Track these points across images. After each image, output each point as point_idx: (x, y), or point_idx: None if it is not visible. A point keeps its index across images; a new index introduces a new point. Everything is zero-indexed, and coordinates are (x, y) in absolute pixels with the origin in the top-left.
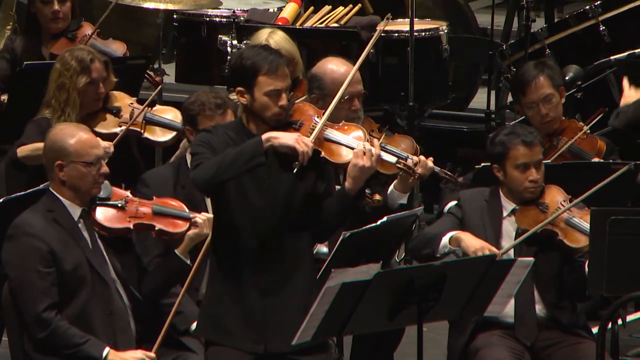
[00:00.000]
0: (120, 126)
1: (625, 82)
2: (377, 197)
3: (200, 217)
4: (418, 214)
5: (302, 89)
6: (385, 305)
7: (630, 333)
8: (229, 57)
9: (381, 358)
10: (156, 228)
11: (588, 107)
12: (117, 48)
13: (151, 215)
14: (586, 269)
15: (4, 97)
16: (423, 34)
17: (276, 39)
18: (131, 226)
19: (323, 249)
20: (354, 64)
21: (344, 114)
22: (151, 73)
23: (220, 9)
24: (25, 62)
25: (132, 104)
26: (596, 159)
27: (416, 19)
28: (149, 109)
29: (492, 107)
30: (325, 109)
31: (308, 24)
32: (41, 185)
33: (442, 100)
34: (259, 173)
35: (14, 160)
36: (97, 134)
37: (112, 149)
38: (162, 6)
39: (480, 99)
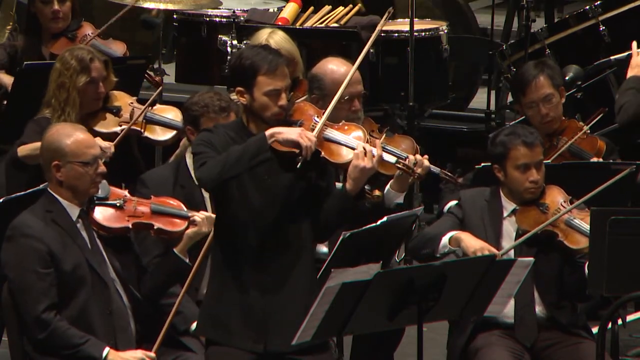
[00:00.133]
0: (121, 125)
1: (634, 47)
2: (377, 192)
3: (199, 216)
4: (418, 214)
5: (302, 89)
6: (385, 305)
7: (630, 333)
8: (229, 57)
9: (381, 358)
10: (155, 227)
11: (588, 107)
12: (117, 48)
13: (150, 214)
14: (586, 270)
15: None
16: (423, 34)
17: (276, 39)
18: (130, 225)
19: (323, 249)
20: (354, 64)
21: (344, 114)
22: (151, 73)
23: (220, 9)
24: (25, 62)
25: (132, 103)
26: (596, 159)
27: (416, 19)
28: (150, 108)
29: (492, 107)
30: (325, 109)
31: (308, 24)
32: (41, 186)
33: (442, 100)
34: (259, 172)
35: (14, 160)
36: (98, 134)
37: (112, 149)
38: (162, 6)
39: (480, 99)
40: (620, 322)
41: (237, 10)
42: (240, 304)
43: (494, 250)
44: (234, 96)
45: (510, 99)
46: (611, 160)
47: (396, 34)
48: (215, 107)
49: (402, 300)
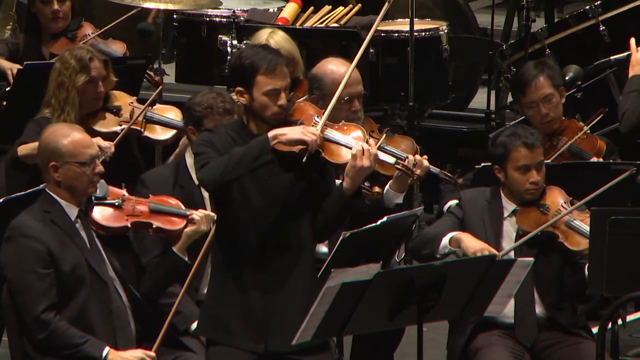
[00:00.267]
0: (121, 125)
1: (633, 45)
2: (377, 189)
3: (198, 214)
4: (418, 214)
5: (303, 89)
6: (385, 305)
7: (630, 333)
8: (229, 57)
9: (381, 358)
10: (154, 226)
11: (588, 107)
12: (117, 48)
13: (148, 213)
14: (586, 271)
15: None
16: (423, 34)
17: (276, 39)
18: (129, 224)
19: (323, 249)
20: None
21: (344, 114)
22: (151, 73)
23: (220, 9)
24: (25, 62)
25: (132, 103)
26: (596, 159)
27: (416, 19)
28: (150, 108)
29: (492, 107)
30: (325, 109)
31: (308, 24)
32: (41, 186)
33: (442, 100)
34: (260, 173)
35: (14, 159)
36: (98, 133)
37: (112, 149)
38: (162, 6)
39: (480, 99)
40: (620, 322)
41: (237, 10)
42: (241, 304)
43: (494, 251)
44: (234, 96)
45: (510, 99)
46: (611, 161)
47: (396, 34)
48: (219, 108)
49: (402, 300)
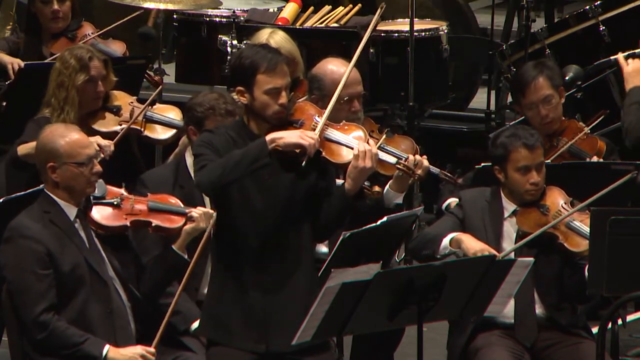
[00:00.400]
0: (120, 125)
1: (622, 60)
2: (377, 188)
3: (196, 212)
4: (418, 214)
5: (303, 90)
6: (385, 305)
7: (630, 333)
8: (229, 57)
9: (381, 358)
10: (153, 224)
11: (588, 107)
12: (117, 48)
13: (147, 211)
14: (586, 272)
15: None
16: (423, 34)
17: (277, 39)
18: (128, 223)
19: (323, 249)
20: (356, 64)
21: (344, 115)
22: (151, 73)
23: (220, 9)
24: (25, 62)
25: (132, 103)
26: (596, 159)
27: (416, 19)
28: (150, 107)
29: (492, 107)
30: (322, 110)
31: (308, 24)
32: (41, 186)
33: (442, 100)
34: (260, 173)
35: (14, 159)
36: (97, 133)
37: (112, 148)
38: (162, 6)
39: (480, 99)
40: (620, 322)
41: (237, 10)
42: (241, 304)
43: (494, 252)
44: (234, 96)
45: (510, 99)
46: (611, 161)
47: (396, 34)
48: (221, 110)
49: (402, 300)
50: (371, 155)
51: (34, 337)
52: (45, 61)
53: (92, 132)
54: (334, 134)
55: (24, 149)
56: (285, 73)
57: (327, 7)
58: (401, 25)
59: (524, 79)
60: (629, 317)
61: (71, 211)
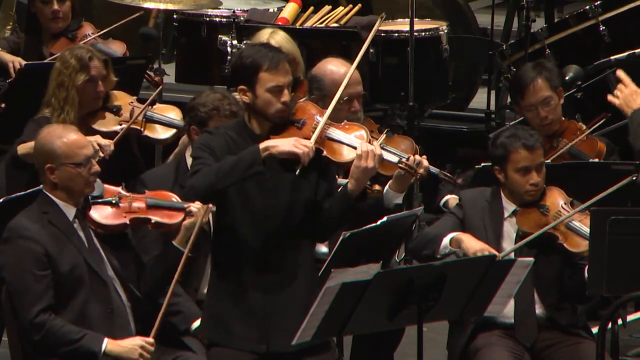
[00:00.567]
0: (121, 124)
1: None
2: (377, 187)
3: (195, 206)
4: (418, 214)
5: (303, 90)
6: (385, 305)
7: (630, 333)
8: (229, 57)
9: (381, 358)
10: (152, 221)
11: (588, 107)
12: (117, 48)
13: (146, 208)
14: (586, 273)
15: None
16: (423, 34)
17: (277, 39)
18: (127, 221)
19: (323, 249)
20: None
21: (344, 115)
22: (151, 73)
23: (220, 9)
24: (25, 62)
25: (132, 103)
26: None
27: (416, 19)
28: (150, 107)
29: (492, 107)
30: (326, 110)
31: (308, 24)
32: (40, 186)
33: (442, 100)
34: (264, 170)
35: (14, 158)
36: (97, 133)
37: (112, 147)
38: (162, 6)
39: (480, 99)
40: (620, 322)
41: (237, 10)
42: (242, 305)
43: (494, 252)
44: (235, 95)
45: (510, 99)
46: (612, 161)
47: (396, 34)
48: (225, 111)
49: (402, 300)
50: (374, 155)
51: (32, 338)
52: (45, 61)
53: (92, 132)
54: (335, 133)
55: (23, 148)
56: (287, 71)
57: (327, 7)
58: (401, 25)
59: (523, 81)
60: (629, 317)
61: (70, 211)
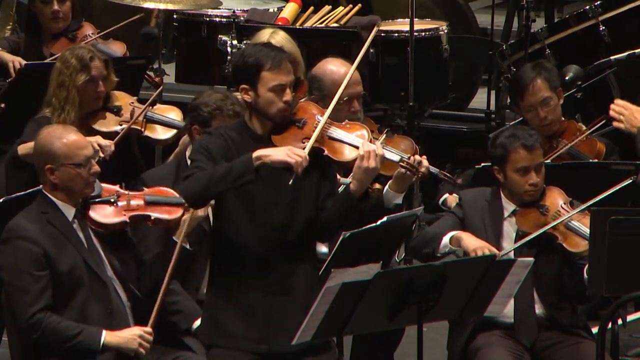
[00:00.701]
0: (121, 125)
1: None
2: (377, 186)
3: None
4: (418, 214)
5: (303, 90)
6: (385, 305)
7: (630, 333)
8: (229, 57)
9: (381, 358)
10: (152, 217)
11: (588, 107)
12: (118, 48)
13: (144, 205)
14: (585, 273)
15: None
16: (423, 34)
17: (278, 39)
18: (127, 219)
19: (323, 249)
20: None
21: (344, 115)
22: (151, 74)
23: (220, 9)
24: (25, 62)
25: (132, 103)
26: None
27: (416, 19)
28: (150, 107)
29: (492, 107)
30: (324, 109)
31: (308, 24)
32: (40, 186)
33: (442, 100)
34: (262, 172)
35: (15, 159)
36: (98, 133)
37: (112, 148)
38: (162, 6)
39: (480, 99)
40: (620, 322)
41: (237, 10)
42: (242, 305)
43: (494, 250)
44: (237, 95)
45: (509, 99)
46: (612, 161)
47: (396, 34)
48: (229, 111)
49: (402, 300)
50: (376, 155)
51: (30, 337)
52: (45, 61)
53: (92, 132)
54: (337, 132)
55: (23, 148)
56: (289, 70)
57: (327, 7)
58: (401, 25)
59: (522, 82)
60: (629, 317)
61: (69, 212)
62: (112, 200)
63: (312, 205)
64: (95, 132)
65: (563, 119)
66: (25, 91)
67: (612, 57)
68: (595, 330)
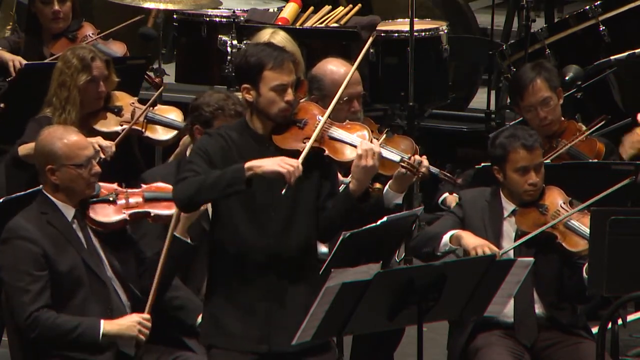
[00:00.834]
0: (122, 125)
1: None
2: (377, 185)
3: None
4: (418, 214)
5: (304, 90)
6: (385, 305)
7: (630, 333)
8: (229, 57)
9: (381, 358)
10: (152, 214)
11: (588, 107)
12: (118, 49)
13: (143, 202)
14: (584, 273)
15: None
16: (423, 34)
17: (278, 39)
18: (127, 217)
19: (323, 249)
20: (353, 66)
21: (344, 115)
22: (151, 74)
23: (220, 9)
24: (25, 62)
25: (133, 103)
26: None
27: (416, 19)
28: (151, 108)
29: (492, 107)
30: (325, 110)
31: (308, 24)
32: (40, 186)
33: (442, 100)
34: (256, 181)
35: (15, 159)
36: (99, 133)
37: (113, 149)
38: (162, 6)
39: (480, 99)
40: (620, 322)
41: (237, 10)
42: (242, 305)
43: (494, 248)
44: (238, 95)
45: (509, 99)
46: (612, 161)
47: (396, 34)
48: (230, 110)
49: (402, 300)
50: (374, 153)
51: (30, 336)
52: (46, 61)
53: (93, 132)
54: (337, 132)
55: (24, 149)
56: (291, 70)
57: (327, 7)
58: (401, 25)
59: (522, 82)
60: (629, 317)
61: (69, 212)
62: (111, 198)
63: (312, 205)
64: (96, 133)
65: (563, 119)
66: (25, 91)
67: (612, 57)
68: (595, 330)
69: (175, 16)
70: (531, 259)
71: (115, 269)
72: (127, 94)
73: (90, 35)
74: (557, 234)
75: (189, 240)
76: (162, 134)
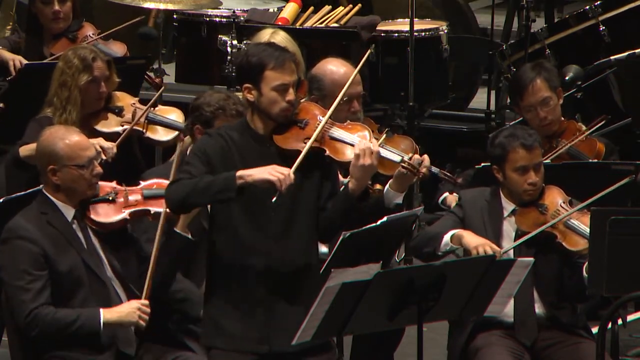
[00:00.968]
0: (123, 125)
1: None
2: (378, 186)
3: None
4: (418, 214)
5: (304, 90)
6: (385, 305)
7: (630, 333)
8: (229, 57)
9: (381, 358)
10: (152, 212)
11: (588, 107)
12: (118, 49)
13: (143, 200)
14: (584, 272)
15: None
16: (423, 34)
17: (278, 39)
18: (127, 216)
19: (323, 249)
20: (354, 65)
21: (344, 115)
22: (151, 74)
23: (220, 9)
24: (25, 62)
25: (134, 104)
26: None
27: (416, 19)
28: (152, 109)
29: (492, 107)
30: (326, 110)
31: (308, 24)
32: (40, 186)
33: (442, 100)
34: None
35: (16, 160)
36: (99, 133)
37: (115, 150)
38: (162, 6)
39: (480, 99)
40: (620, 322)
41: (237, 10)
42: (242, 305)
43: (496, 247)
44: (238, 95)
45: (509, 99)
46: (612, 161)
47: (396, 34)
48: (232, 110)
49: (402, 300)
50: (371, 152)
51: (30, 335)
52: (46, 61)
53: (94, 133)
54: (338, 132)
55: (25, 150)
56: (292, 70)
57: (327, 7)
58: (401, 25)
59: (522, 82)
60: (629, 317)
61: (69, 212)
62: (110, 198)
63: (312, 205)
64: (97, 133)
65: (563, 119)
66: (25, 91)
67: (612, 57)
68: (595, 330)
69: (175, 16)
70: (531, 258)
71: (115, 269)
72: (127, 94)
73: (91, 35)
74: (557, 233)
75: (189, 236)
76: (163, 135)
